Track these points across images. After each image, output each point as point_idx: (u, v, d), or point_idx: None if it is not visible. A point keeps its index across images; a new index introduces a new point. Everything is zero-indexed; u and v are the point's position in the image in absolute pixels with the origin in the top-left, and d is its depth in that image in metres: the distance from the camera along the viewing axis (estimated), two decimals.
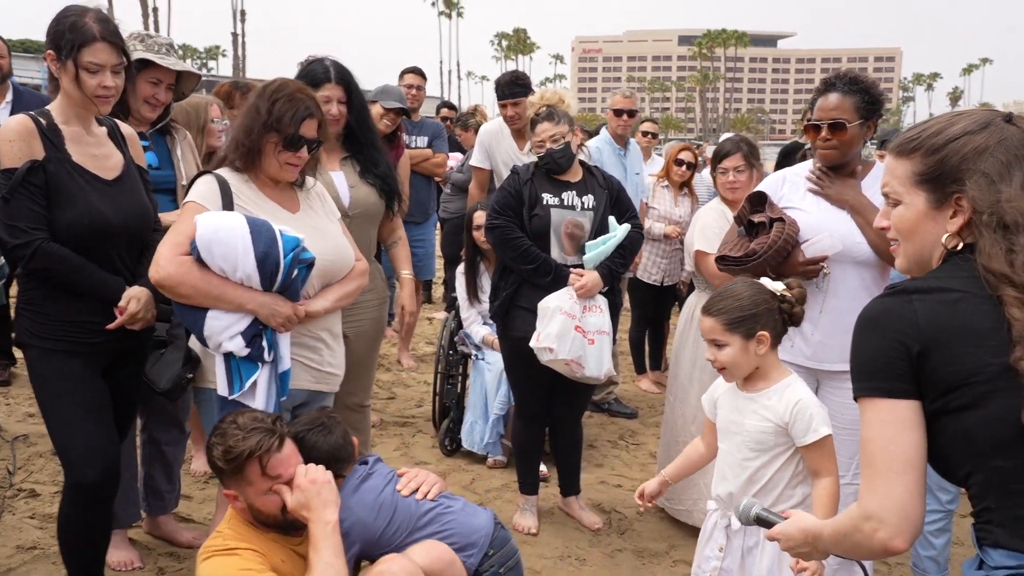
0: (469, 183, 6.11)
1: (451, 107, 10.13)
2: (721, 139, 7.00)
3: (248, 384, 2.52)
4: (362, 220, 3.40)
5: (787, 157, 7.32)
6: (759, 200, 3.14)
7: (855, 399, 1.58)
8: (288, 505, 2.28)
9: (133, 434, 3.34)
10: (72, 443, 2.70)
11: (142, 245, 2.84)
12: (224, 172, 2.70)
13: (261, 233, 2.49)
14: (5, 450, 4.46)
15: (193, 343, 2.71)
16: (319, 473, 2.31)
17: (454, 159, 7.26)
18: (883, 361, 1.51)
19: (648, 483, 2.68)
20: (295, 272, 2.54)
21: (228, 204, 2.62)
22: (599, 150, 5.30)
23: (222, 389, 2.55)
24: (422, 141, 6.32)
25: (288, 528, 2.35)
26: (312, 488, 2.27)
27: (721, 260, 3.17)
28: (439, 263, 8.40)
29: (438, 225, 7.67)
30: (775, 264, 2.99)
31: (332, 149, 3.40)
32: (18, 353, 4.68)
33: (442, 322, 7.65)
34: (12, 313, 4.23)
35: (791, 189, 3.17)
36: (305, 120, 2.65)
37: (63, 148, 2.67)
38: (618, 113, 5.50)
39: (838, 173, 3.07)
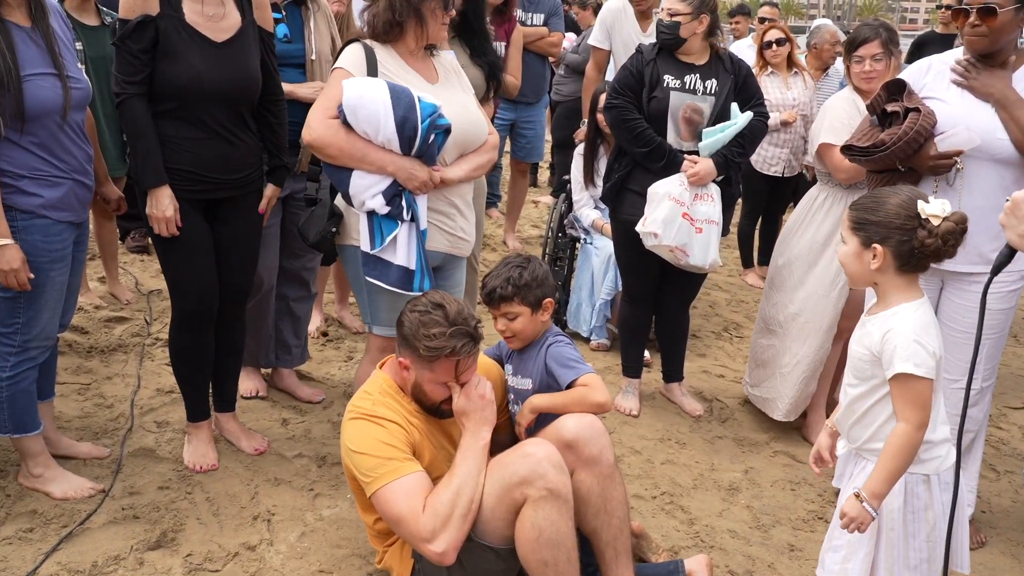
0: (584, 65, 5.97)
1: None
2: (813, 26, 6.57)
3: (388, 239, 2.69)
4: None
5: (920, 49, 6.87)
6: (897, 88, 2.98)
7: None
8: (454, 405, 2.38)
9: (269, 288, 3.63)
10: (175, 274, 3.02)
11: (246, 110, 2.98)
12: (369, 42, 2.82)
13: (401, 98, 2.62)
14: (142, 302, 4.82)
15: (338, 201, 2.88)
16: (487, 390, 2.41)
17: (569, 39, 7.08)
18: None
19: (819, 440, 2.41)
20: (432, 137, 2.66)
21: (373, 72, 2.74)
22: (611, 12, 4.93)
23: (365, 245, 2.73)
24: (538, 18, 6.15)
25: (434, 413, 2.47)
26: (479, 403, 2.37)
27: (847, 150, 3.04)
28: (547, 147, 8.33)
29: (549, 107, 7.57)
30: (904, 157, 2.87)
31: None
32: None
33: (548, 206, 7.70)
34: None
35: (935, 78, 2.99)
36: None
37: (179, 6, 2.80)
38: None
39: (988, 63, 2.87)
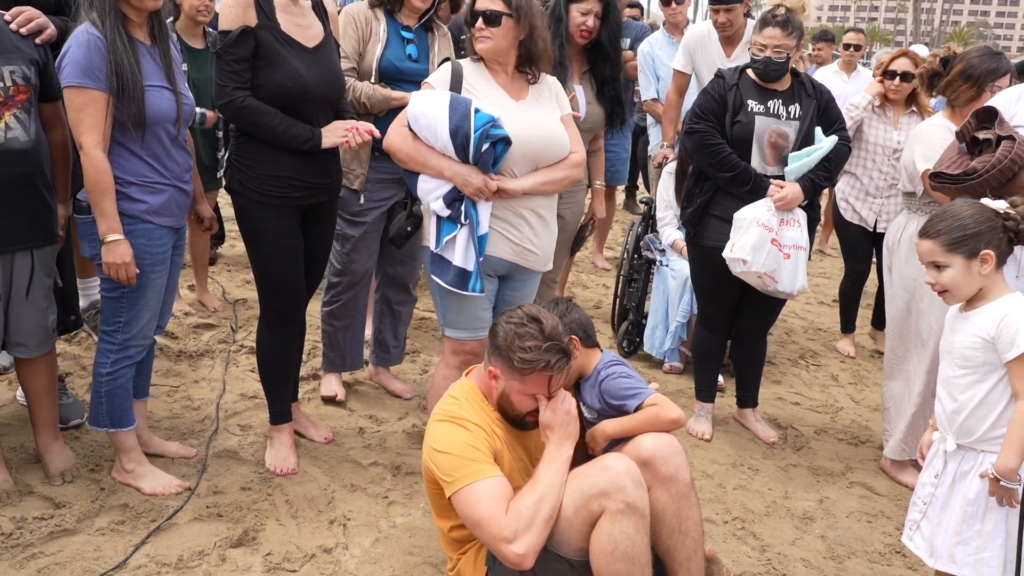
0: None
1: (637, 6, 9.66)
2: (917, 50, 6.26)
3: (446, 240, 2.83)
4: (586, 133, 3.82)
5: (1018, 76, 6.64)
6: (988, 116, 2.93)
7: None
8: (540, 417, 2.41)
9: (364, 288, 3.81)
10: (267, 277, 3.17)
11: (336, 109, 3.18)
12: (464, 61, 2.99)
13: (457, 108, 2.77)
14: (228, 310, 5.00)
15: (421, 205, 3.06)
16: (573, 406, 2.44)
17: None
18: None
19: (924, 437, 2.56)
20: (485, 146, 2.77)
21: (457, 88, 2.90)
22: (695, 37, 4.90)
23: (432, 244, 2.89)
24: (624, 42, 6.15)
25: (516, 424, 2.50)
26: (565, 418, 2.40)
27: (935, 177, 3.00)
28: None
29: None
30: (997, 185, 2.81)
31: (576, 59, 3.75)
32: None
33: (627, 227, 7.67)
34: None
35: None
36: None
37: (273, 17, 3.00)
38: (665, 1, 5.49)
39: None
